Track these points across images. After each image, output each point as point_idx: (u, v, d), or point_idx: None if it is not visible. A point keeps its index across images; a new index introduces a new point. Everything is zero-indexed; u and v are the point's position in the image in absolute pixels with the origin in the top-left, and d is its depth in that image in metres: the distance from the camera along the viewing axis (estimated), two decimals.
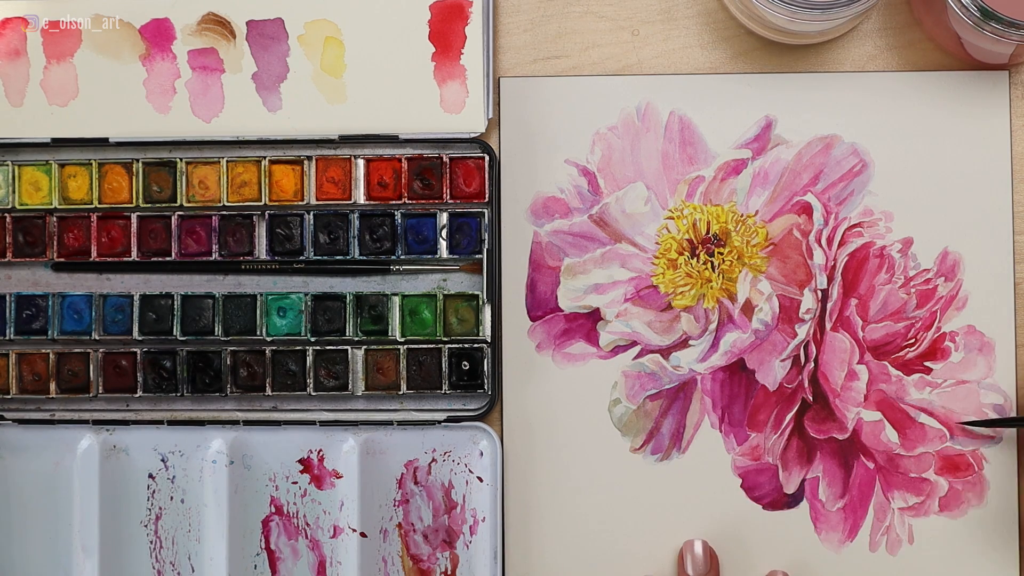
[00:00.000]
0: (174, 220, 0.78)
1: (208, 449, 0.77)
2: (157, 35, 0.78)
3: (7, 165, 0.78)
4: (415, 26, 0.77)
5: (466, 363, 0.77)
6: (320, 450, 0.78)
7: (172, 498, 0.78)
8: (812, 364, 0.77)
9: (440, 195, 0.77)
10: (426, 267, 0.78)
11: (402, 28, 0.77)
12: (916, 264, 0.77)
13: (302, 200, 0.78)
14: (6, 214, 0.78)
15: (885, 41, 0.78)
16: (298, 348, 0.77)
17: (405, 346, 0.77)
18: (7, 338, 0.78)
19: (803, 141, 0.77)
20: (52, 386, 0.78)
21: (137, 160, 0.78)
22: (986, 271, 0.77)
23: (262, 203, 0.78)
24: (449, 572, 0.78)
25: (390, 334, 0.77)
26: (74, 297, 0.78)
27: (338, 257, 0.77)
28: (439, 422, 0.77)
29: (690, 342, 0.77)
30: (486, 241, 0.76)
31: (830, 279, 0.77)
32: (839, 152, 0.77)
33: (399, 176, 0.77)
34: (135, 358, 0.78)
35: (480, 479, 0.77)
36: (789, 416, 0.77)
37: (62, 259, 0.78)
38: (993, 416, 0.76)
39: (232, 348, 0.77)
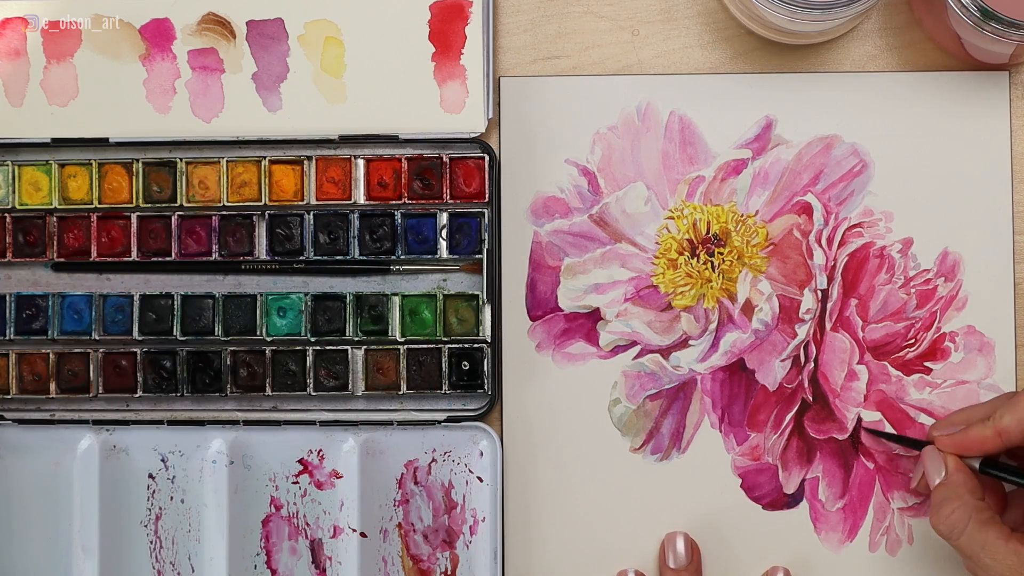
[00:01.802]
0: (174, 220, 0.78)
1: (208, 449, 0.77)
2: (157, 35, 0.78)
3: (7, 165, 0.78)
4: (415, 26, 0.77)
5: (466, 363, 0.77)
6: (320, 450, 0.78)
7: (172, 498, 0.78)
8: (812, 364, 0.77)
9: (440, 195, 0.77)
10: (426, 267, 0.78)
11: (402, 28, 0.77)
12: (916, 264, 0.77)
13: (302, 200, 0.78)
14: (6, 214, 0.78)
15: (885, 41, 0.78)
16: (298, 348, 0.77)
17: (405, 346, 0.77)
18: (7, 338, 0.78)
19: (803, 141, 0.77)
20: (52, 386, 0.78)
21: (137, 160, 0.78)
22: (986, 271, 0.77)
23: (262, 203, 0.77)
24: (449, 572, 0.78)
25: (390, 334, 0.77)
26: (74, 297, 0.78)
27: (338, 257, 0.77)
28: (439, 422, 0.77)
29: (690, 342, 0.77)
30: (486, 241, 0.76)
31: (830, 279, 0.77)
32: (839, 152, 0.77)
33: (399, 176, 0.77)
34: (135, 358, 0.78)
35: (480, 479, 0.77)
36: (789, 416, 0.77)
37: (62, 259, 0.78)
38: None
39: (232, 348, 0.77)
